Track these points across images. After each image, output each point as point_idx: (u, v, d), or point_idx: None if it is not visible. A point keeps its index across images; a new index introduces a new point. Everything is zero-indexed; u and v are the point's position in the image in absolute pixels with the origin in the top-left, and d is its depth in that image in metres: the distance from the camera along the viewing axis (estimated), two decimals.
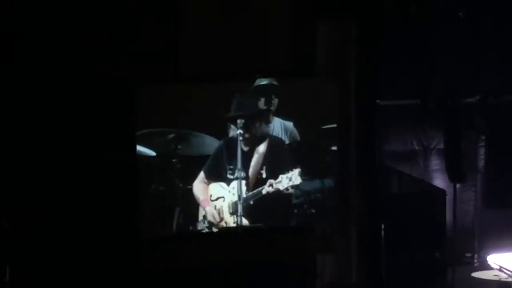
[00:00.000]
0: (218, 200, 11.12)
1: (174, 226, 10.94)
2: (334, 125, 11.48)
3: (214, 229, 11.09)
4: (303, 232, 11.51)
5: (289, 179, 11.12)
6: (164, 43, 10.83)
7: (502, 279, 11.87)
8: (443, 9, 12.44)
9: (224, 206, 11.09)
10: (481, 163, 13.01)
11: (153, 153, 10.80)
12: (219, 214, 11.06)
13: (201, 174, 11.01)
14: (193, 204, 10.99)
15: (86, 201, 10.64)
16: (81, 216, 10.63)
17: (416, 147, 13.02)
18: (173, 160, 10.87)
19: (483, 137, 12.91)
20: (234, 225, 11.05)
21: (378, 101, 12.19)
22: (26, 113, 10.45)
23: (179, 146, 10.89)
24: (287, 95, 11.27)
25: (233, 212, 11.06)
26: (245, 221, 11.08)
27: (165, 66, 10.79)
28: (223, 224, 11.04)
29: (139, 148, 10.73)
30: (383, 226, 11.69)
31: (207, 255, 11.03)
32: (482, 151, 12.97)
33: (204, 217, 11.04)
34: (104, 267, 10.66)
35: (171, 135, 10.88)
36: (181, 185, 10.92)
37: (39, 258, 10.50)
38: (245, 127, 11.01)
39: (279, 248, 11.30)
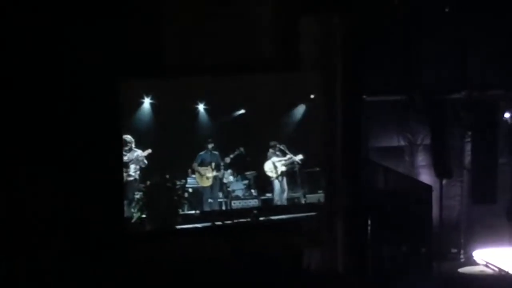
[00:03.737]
0: None
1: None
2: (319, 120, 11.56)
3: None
4: (290, 227, 11.53)
5: None
6: (150, 37, 10.83)
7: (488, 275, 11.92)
8: (429, 3, 12.42)
9: None
10: (468, 158, 12.99)
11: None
12: None
13: None
14: None
15: (73, 195, 10.64)
16: (68, 209, 10.63)
17: (403, 143, 13.00)
18: None
19: (469, 133, 12.89)
20: None
21: (364, 96, 12.18)
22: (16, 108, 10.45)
23: None
24: (272, 89, 11.31)
25: None
26: None
27: (150, 60, 10.77)
28: None
29: None
30: (369, 222, 11.68)
31: (195, 250, 11.01)
32: (468, 146, 12.95)
33: None
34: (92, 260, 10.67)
35: None
36: None
37: (27, 253, 10.50)
38: None
39: (266, 243, 11.28)
